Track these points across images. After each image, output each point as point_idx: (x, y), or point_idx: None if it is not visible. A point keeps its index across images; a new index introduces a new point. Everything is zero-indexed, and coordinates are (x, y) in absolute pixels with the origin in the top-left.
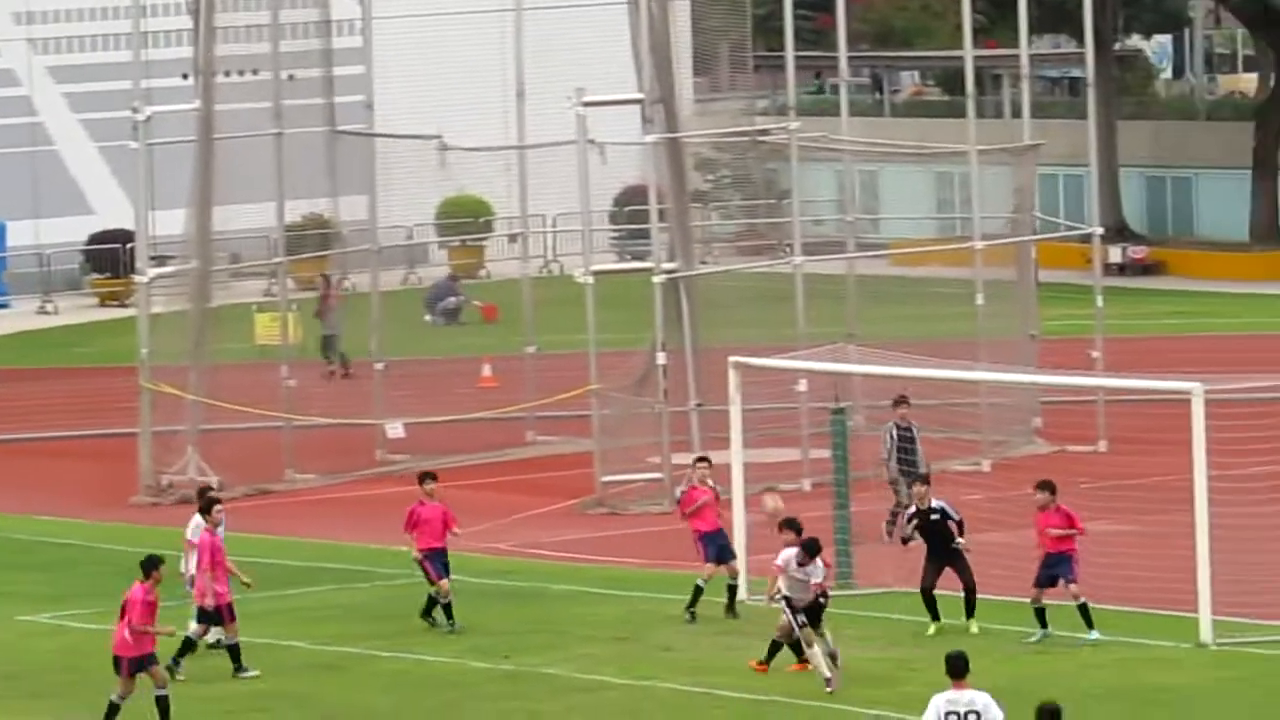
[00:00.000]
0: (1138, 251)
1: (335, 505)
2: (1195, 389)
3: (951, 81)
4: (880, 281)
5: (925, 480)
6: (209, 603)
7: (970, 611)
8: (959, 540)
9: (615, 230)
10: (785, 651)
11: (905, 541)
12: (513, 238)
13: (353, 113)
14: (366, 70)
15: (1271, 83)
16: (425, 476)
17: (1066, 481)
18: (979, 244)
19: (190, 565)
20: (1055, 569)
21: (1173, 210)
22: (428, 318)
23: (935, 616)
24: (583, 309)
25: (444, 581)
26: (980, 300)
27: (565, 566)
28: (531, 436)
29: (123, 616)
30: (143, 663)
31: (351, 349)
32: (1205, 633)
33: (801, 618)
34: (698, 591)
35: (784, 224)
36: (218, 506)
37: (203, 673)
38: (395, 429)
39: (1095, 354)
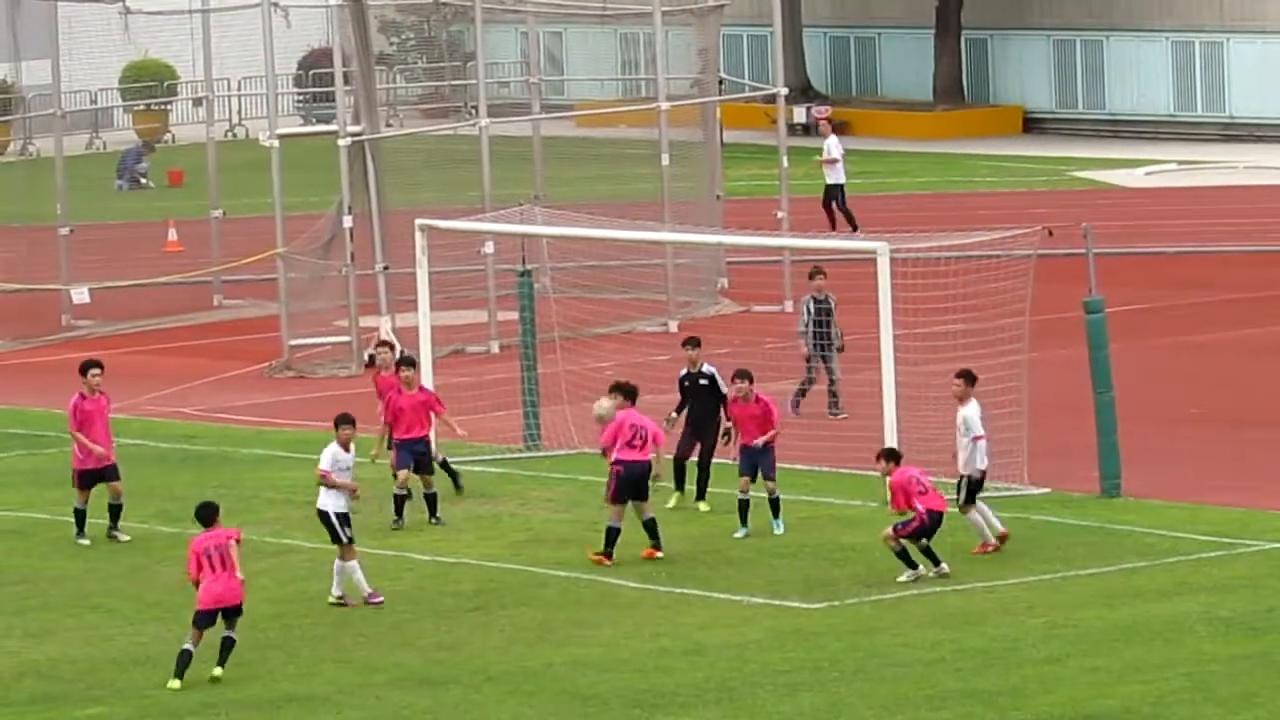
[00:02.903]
0: (822, 111)
1: (21, 371)
2: (880, 248)
3: None
4: (566, 143)
5: (696, 344)
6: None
7: (701, 494)
8: (726, 425)
9: (300, 94)
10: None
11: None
12: (197, 102)
13: None
14: None
15: None
16: (403, 363)
17: (751, 340)
18: (664, 105)
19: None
20: (758, 459)
21: (857, 70)
22: (117, 183)
23: (680, 487)
24: (268, 173)
25: (403, 472)
26: (666, 161)
27: (253, 431)
28: (218, 301)
29: (223, 565)
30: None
31: (37, 214)
32: None
33: None
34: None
35: (469, 86)
36: (94, 370)
37: None
38: (81, 294)
39: (780, 214)
